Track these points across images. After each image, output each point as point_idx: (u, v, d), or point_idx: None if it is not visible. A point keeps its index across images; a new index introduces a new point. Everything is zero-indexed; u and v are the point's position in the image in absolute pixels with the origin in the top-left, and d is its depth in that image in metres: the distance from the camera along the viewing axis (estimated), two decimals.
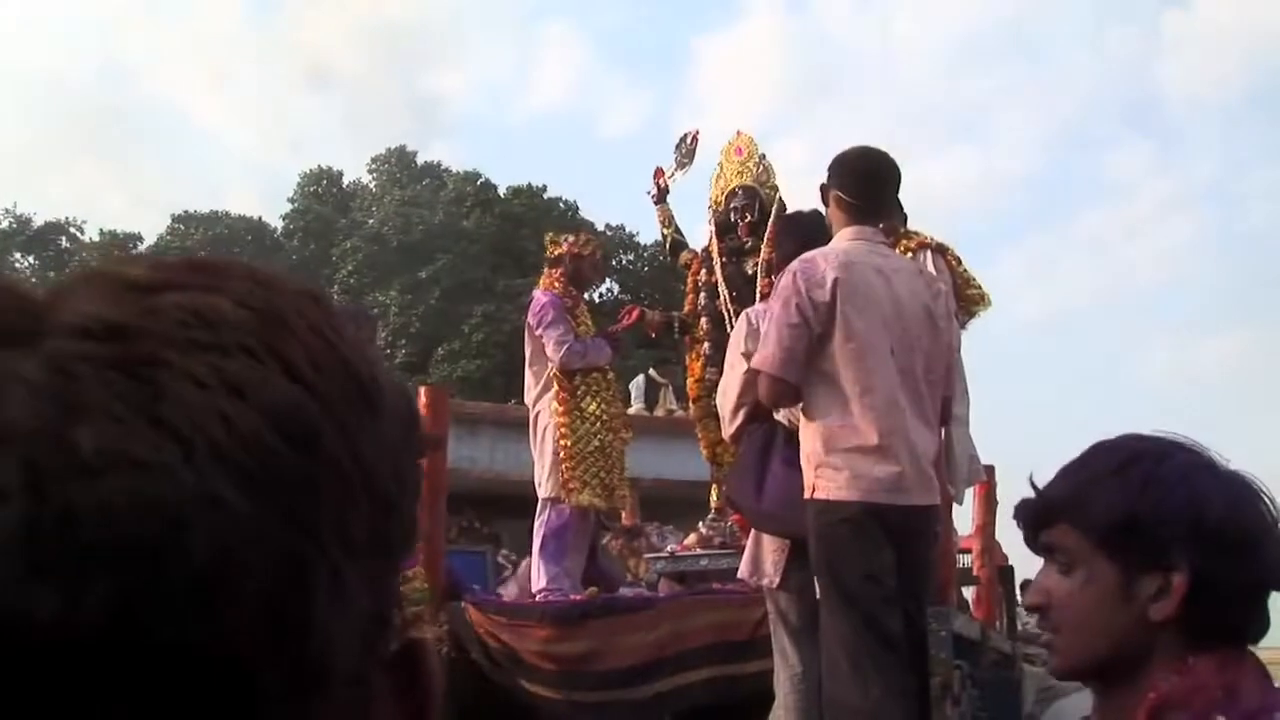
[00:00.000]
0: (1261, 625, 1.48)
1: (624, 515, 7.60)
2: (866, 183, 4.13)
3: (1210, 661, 1.43)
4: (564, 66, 56.37)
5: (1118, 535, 1.45)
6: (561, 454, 5.78)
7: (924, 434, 3.87)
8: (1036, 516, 1.55)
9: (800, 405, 3.94)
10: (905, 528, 3.78)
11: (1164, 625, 1.44)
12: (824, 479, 3.76)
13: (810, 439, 3.83)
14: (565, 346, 5.84)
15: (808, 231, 4.50)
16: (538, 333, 5.96)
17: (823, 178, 4.21)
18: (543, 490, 5.90)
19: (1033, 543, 1.57)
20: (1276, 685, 1.49)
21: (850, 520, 3.71)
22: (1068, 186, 54.64)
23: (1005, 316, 47.48)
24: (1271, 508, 1.47)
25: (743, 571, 4.41)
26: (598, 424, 5.86)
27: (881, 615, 3.70)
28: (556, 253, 6.27)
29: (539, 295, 6.14)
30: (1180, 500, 1.44)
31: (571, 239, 6.36)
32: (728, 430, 4.52)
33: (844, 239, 4.04)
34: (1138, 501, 1.44)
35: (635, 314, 6.45)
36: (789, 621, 4.28)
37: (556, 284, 6.16)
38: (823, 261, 3.88)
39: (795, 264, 3.94)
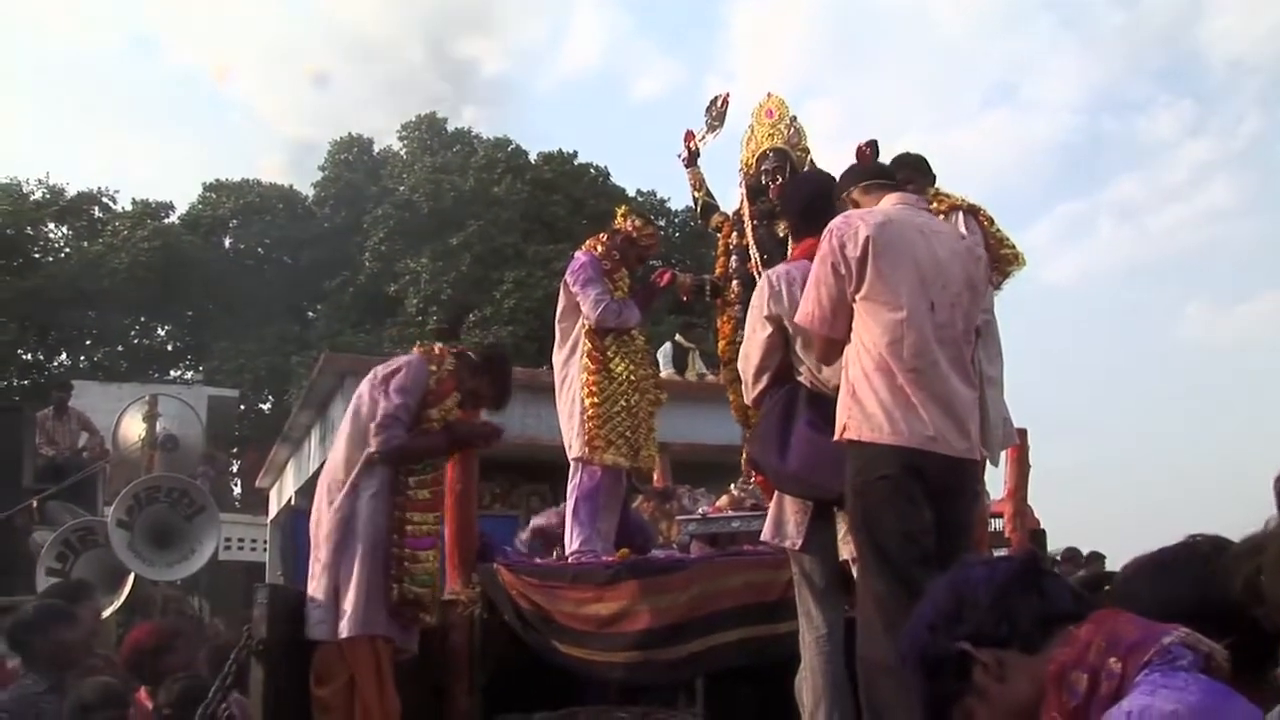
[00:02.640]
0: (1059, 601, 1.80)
1: (655, 478, 7.61)
2: (873, 165, 4.26)
3: (1089, 624, 1.71)
4: (595, 31, 56.10)
5: (944, 687, 1.82)
6: (589, 411, 5.79)
7: (963, 390, 3.89)
8: None
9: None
10: (945, 483, 3.80)
11: (1015, 671, 1.74)
12: (855, 419, 3.82)
13: (848, 384, 3.89)
14: (602, 305, 5.85)
15: (813, 189, 4.57)
16: (574, 289, 5.96)
17: (842, 175, 4.43)
18: (571, 450, 5.92)
19: None
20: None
21: (889, 477, 3.74)
22: (1103, 150, 54.01)
23: (1039, 281, 47.08)
24: (977, 585, 1.84)
25: (765, 533, 4.44)
26: (625, 384, 5.87)
27: (917, 574, 3.70)
28: (617, 225, 6.31)
29: (579, 254, 6.16)
30: (923, 635, 1.86)
31: (639, 223, 6.38)
32: (750, 395, 4.56)
33: (887, 203, 4.15)
34: (918, 668, 1.87)
35: (667, 277, 6.44)
36: (813, 583, 4.30)
37: (599, 246, 6.17)
38: (859, 220, 3.98)
39: (834, 223, 4.02)
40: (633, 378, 5.91)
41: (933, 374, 3.81)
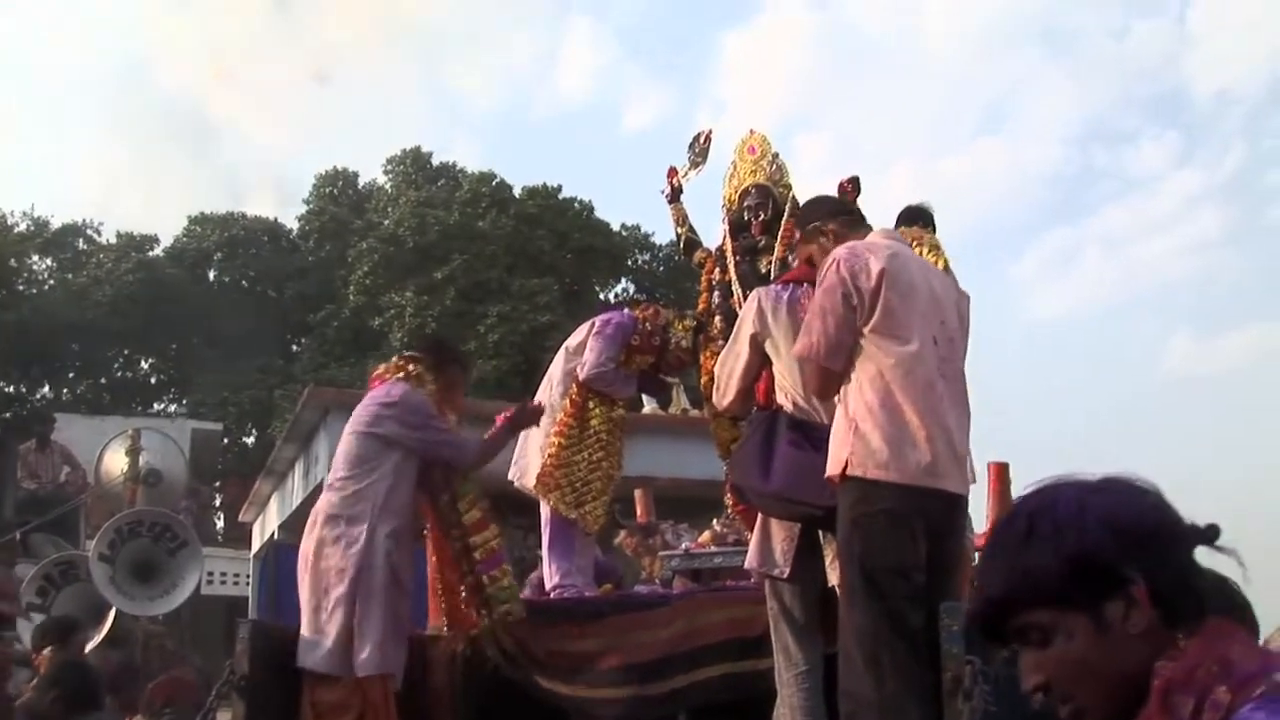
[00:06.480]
0: (1222, 591, 1.65)
1: (638, 513, 7.64)
2: (841, 203, 4.29)
3: (1199, 641, 1.52)
4: (581, 65, 56.21)
5: (1068, 587, 1.55)
6: (551, 450, 5.80)
7: (960, 422, 3.89)
8: (992, 618, 1.64)
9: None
10: (942, 519, 3.79)
11: (1147, 633, 1.53)
12: (858, 455, 3.75)
13: (848, 418, 3.84)
14: (601, 370, 5.87)
15: (834, 206, 4.52)
16: (593, 335, 5.98)
17: (814, 203, 4.50)
18: (517, 469, 5.94)
19: (1000, 641, 1.65)
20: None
21: (889, 511, 3.71)
22: (1092, 180, 54.23)
23: (1026, 311, 47.18)
24: (1153, 491, 1.62)
25: (750, 561, 4.40)
26: (594, 440, 5.88)
27: (906, 610, 3.69)
28: (677, 326, 6.23)
29: (623, 314, 6.22)
30: (1096, 525, 1.56)
31: (686, 348, 6.22)
32: (723, 401, 4.56)
33: (879, 236, 4.15)
34: (1064, 549, 1.55)
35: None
36: (793, 617, 4.26)
37: (646, 322, 6.18)
38: (866, 251, 3.94)
39: (839, 253, 3.97)
40: (604, 437, 5.91)
41: (938, 409, 3.79)
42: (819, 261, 4.16)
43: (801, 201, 6.04)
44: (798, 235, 4.35)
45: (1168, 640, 1.53)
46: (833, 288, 3.89)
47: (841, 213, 4.34)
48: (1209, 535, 1.62)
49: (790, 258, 5.72)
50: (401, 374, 5.42)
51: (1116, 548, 1.54)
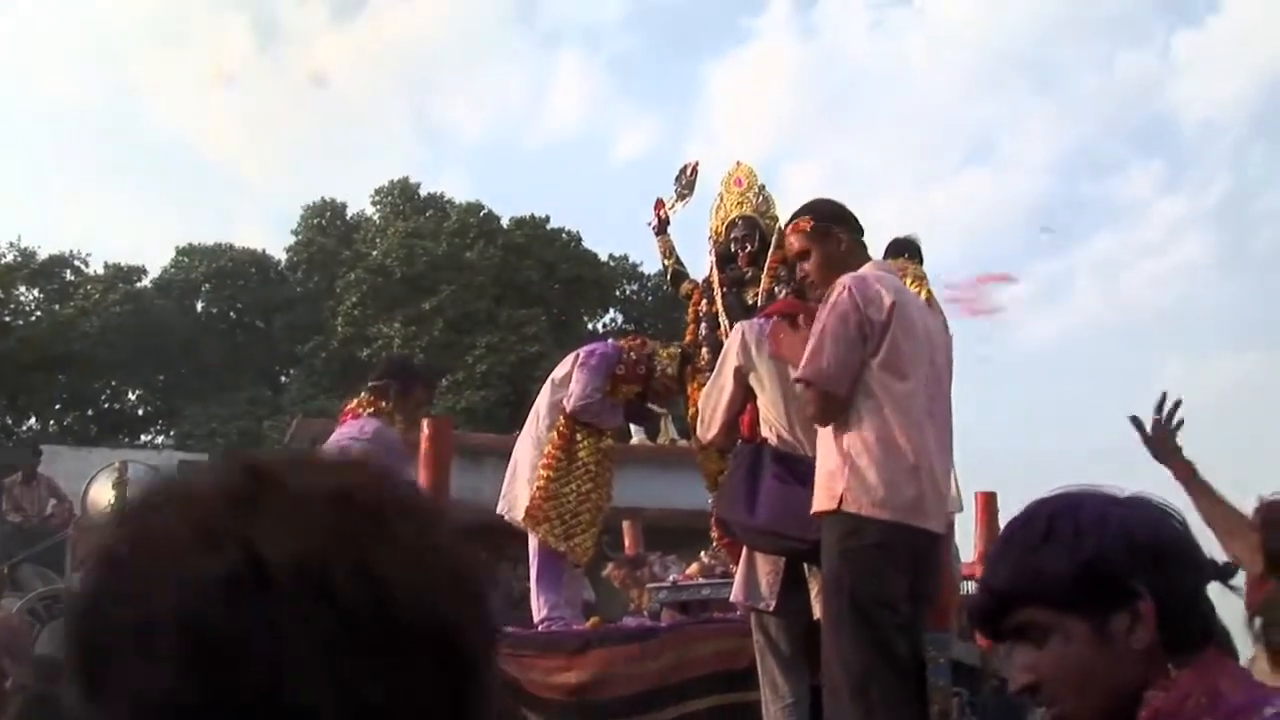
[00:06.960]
0: (1216, 622, 1.63)
1: (626, 545, 7.64)
2: (855, 219, 4.24)
3: (1191, 672, 1.53)
4: (570, 95, 56.26)
5: (1077, 591, 1.55)
6: (540, 482, 5.81)
7: (944, 462, 3.91)
8: (992, 610, 1.64)
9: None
10: (925, 556, 3.80)
11: (1147, 652, 1.53)
12: (853, 491, 3.72)
13: (842, 452, 3.80)
14: (587, 401, 5.88)
15: (849, 216, 4.42)
16: (577, 367, 5.99)
17: (836, 204, 4.32)
18: (507, 503, 5.94)
19: (995, 635, 1.66)
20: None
21: (881, 545, 3.70)
22: (1079, 210, 54.30)
23: (1015, 340, 47.08)
24: (1176, 514, 1.64)
25: (736, 594, 4.41)
26: (583, 471, 5.89)
27: (895, 642, 3.70)
28: (663, 356, 6.24)
29: (607, 345, 6.25)
30: (1114, 536, 1.57)
31: (671, 376, 6.21)
32: (707, 434, 4.57)
33: (876, 269, 4.12)
34: (1080, 554, 1.56)
35: None
36: (779, 650, 4.27)
37: (631, 352, 6.18)
38: (877, 283, 3.91)
39: (848, 280, 3.91)
40: (593, 468, 5.92)
41: (927, 448, 3.80)
42: (818, 262, 4.12)
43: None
44: (809, 225, 4.18)
45: (1163, 664, 1.53)
46: (846, 314, 3.83)
47: (854, 227, 4.22)
48: (1225, 572, 1.64)
49: (777, 288, 5.74)
50: (372, 409, 5.51)
51: (1130, 561, 1.54)
